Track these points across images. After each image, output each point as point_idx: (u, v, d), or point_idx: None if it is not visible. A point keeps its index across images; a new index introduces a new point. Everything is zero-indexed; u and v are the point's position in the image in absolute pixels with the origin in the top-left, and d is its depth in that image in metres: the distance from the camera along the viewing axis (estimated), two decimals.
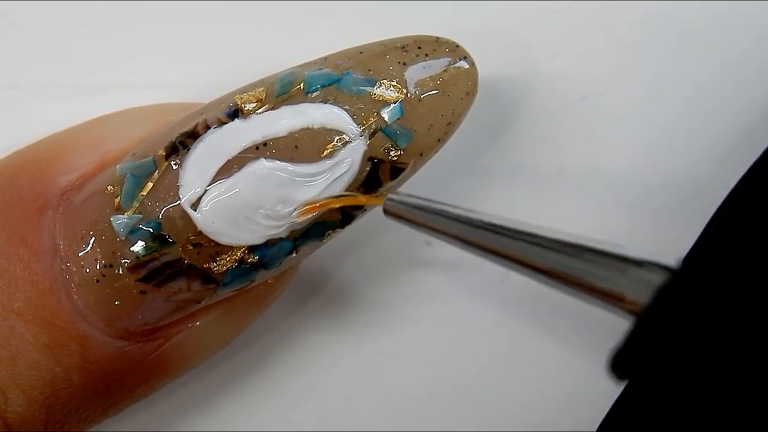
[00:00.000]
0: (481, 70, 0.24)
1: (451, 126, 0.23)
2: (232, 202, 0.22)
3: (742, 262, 0.18)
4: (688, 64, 0.28)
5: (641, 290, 0.18)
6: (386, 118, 0.22)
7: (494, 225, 0.20)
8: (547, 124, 0.28)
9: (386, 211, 0.22)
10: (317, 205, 0.22)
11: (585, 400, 0.27)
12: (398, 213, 0.22)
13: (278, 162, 0.22)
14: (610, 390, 0.27)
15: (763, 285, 0.17)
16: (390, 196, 0.22)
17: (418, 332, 0.28)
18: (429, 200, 0.22)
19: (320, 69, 0.23)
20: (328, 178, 0.22)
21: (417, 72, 0.23)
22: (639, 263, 0.19)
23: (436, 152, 0.24)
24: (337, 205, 0.22)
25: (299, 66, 0.23)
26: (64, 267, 0.22)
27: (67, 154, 0.24)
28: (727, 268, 0.18)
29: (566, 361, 0.28)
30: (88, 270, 0.22)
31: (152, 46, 0.28)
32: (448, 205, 0.21)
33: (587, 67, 0.28)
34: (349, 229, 0.24)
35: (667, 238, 0.27)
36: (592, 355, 0.28)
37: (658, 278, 0.18)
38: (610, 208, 0.28)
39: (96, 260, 0.22)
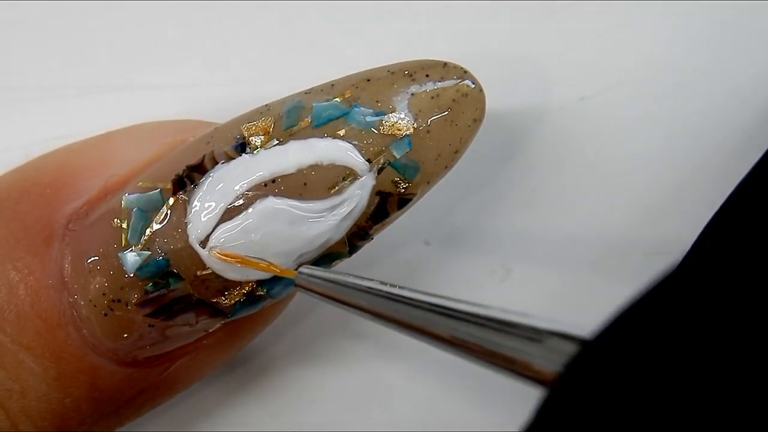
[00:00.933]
0: (480, 70, 0.24)
1: (458, 153, 0.23)
2: (240, 239, 0.22)
3: (660, 334, 0.18)
4: (687, 64, 0.28)
5: (552, 361, 0.18)
6: (395, 153, 0.22)
7: (404, 297, 0.20)
8: (547, 125, 0.28)
9: (296, 285, 0.22)
10: (231, 257, 0.22)
11: None
12: (309, 287, 0.22)
13: (287, 199, 0.22)
14: None
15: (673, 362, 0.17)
16: (301, 269, 0.22)
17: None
18: (339, 273, 0.21)
19: (327, 99, 0.22)
20: (337, 215, 0.22)
21: (425, 101, 0.22)
22: (550, 333, 0.18)
23: (442, 177, 0.24)
24: (248, 267, 0.22)
25: (306, 93, 0.23)
26: (71, 299, 0.22)
27: (70, 178, 0.23)
28: (637, 339, 0.17)
29: None
30: (95, 304, 0.22)
31: (153, 46, 0.27)
32: (358, 277, 0.21)
33: (587, 67, 0.28)
34: None
35: (667, 238, 0.28)
36: None
37: (570, 348, 0.18)
38: (610, 208, 0.28)
39: (104, 294, 0.22)
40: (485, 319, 0.19)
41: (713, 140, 0.28)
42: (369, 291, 0.20)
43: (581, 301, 0.28)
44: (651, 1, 0.27)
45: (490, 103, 0.26)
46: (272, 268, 0.22)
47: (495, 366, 0.19)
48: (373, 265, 0.28)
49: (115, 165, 0.23)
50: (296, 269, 0.22)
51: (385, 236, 0.27)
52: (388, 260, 0.28)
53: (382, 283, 0.20)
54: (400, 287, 0.20)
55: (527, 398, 0.28)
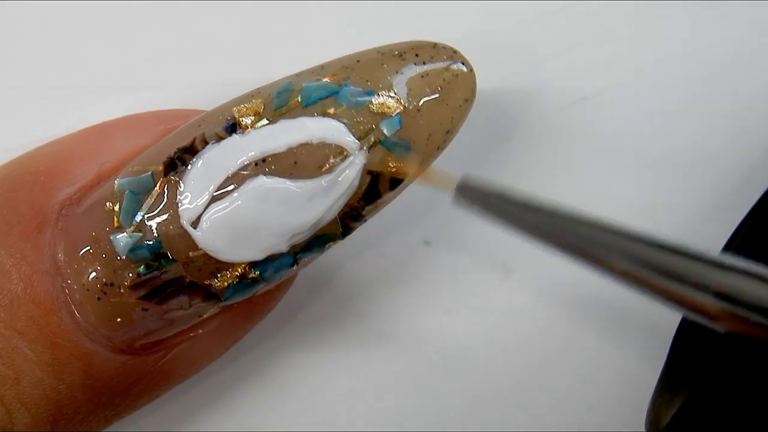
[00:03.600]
0: (481, 71, 0.24)
1: (449, 134, 0.23)
2: (232, 219, 0.22)
3: None
4: (687, 64, 0.28)
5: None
6: (385, 131, 0.22)
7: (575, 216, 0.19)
8: (548, 124, 0.28)
9: (456, 193, 0.21)
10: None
11: (585, 400, 0.28)
12: (471, 197, 0.21)
13: (277, 178, 0.22)
14: (611, 389, 0.27)
15: None
16: (464, 179, 0.21)
17: (418, 335, 0.28)
18: (504, 187, 0.20)
19: (318, 80, 0.23)
20: (328, 194, 0.22)
21: (415, 80, 0.23)
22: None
23: (435, 159, 0.24)
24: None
25: (296, 75, 0.23)
26: (65, 284, 0.22)
27: (64, 166, 0.23)
28: None
29: (570, 361, 0.28)
30: (89, 288, 0.22)
31: (153, 46, 0.27)
32: (520, 192, 0.20)
33: (587, 67, 0.28)
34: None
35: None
36: (593, 355, 0.28)
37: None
38: (610, 208, 0.27)
39: (97, 278, 0.22)
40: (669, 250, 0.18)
41: (714, 140, 0.28)
42: (540, 209, 0.19)
43: (582, 301, 0.28)
44: (651, 1, 0.28)
45: (491, 103, 0.26)
46: (429, 176, 0.22)
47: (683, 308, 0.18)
48: (373, 264, 0.28)
49: (109, 153, 0.24)
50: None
51: (385, 236, 0.27)
52: (389, 260, 0.28)
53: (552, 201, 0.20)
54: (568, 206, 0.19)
55: (527, 403, 0.28)
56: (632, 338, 0.28)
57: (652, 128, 0.28)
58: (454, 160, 0.26)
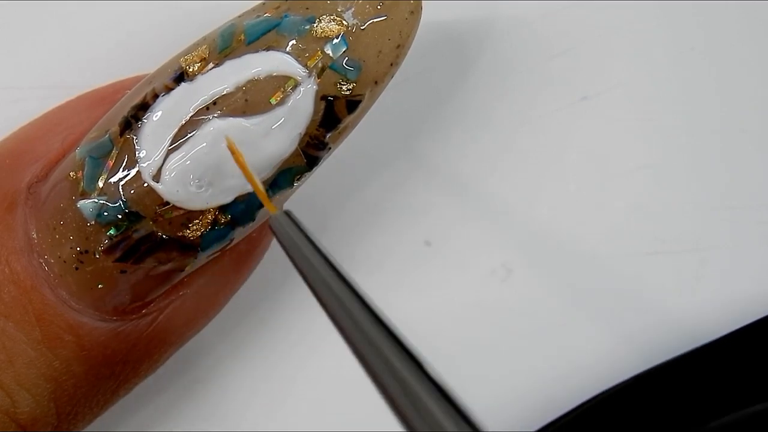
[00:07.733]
0: (482, 70, 0.25)
1: (401, 48, 0.23)
2: (193, 166, 0.21)
3: None
4: (688, 64, 0.28)
5: None
6: (331, 54, 0.22)
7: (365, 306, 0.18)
8: (547, 125, 0.28)
9: (270, 225, 0.20)
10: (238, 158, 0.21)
11: (583, 397, 0.27)
12: (279, 230, 0.20)
13: (231, 119, 0.21)
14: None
15: None
16: (284, 211, 0.20)
17: (417, 335, 0.27)
18: (318, 240, 0.19)
19: (258, 16, 0.22)
20: (284, 125, 0.22)
21: (355, 2, 0.22)
22: None
23: (392, 77, 0.23)
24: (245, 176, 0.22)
25: (238, 17, 0.23)
26: (42, 260, 0.22)
27: (27, 146, 0.24)
28: None
29: (570, 361, 0.28)
30: (65, 260, 0.22)
31: (153, 46, 0.27)
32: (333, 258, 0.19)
33: (587, 67, 0.28)
34: (344, 229, 0.26)
35: (667, 238, 0.28)
36: (589, 353, 0.28)
37: None
38: (610, 208, 0.28)
39: (71, 248, 0.22)
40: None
41: (713, 140, 0.28)
42: (338, 275, 0.18)
43: (581, 301, 0.28)
44: (651, 1, 0.28)
45: (491, 100, 0.26)
46: (259, 189, 0.21)
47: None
48: (373, 265, 0.28)
49: (72, 126, 0.24)
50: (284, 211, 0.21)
51: (385, 236, 0.28)
52: (389, 260, 0.28)
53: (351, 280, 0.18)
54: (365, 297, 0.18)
55: (524, 400, 0.28)
56: (632, 338, 0.28)
57: (652, 128, 0.28)
58: (454, 160, 0.27)
